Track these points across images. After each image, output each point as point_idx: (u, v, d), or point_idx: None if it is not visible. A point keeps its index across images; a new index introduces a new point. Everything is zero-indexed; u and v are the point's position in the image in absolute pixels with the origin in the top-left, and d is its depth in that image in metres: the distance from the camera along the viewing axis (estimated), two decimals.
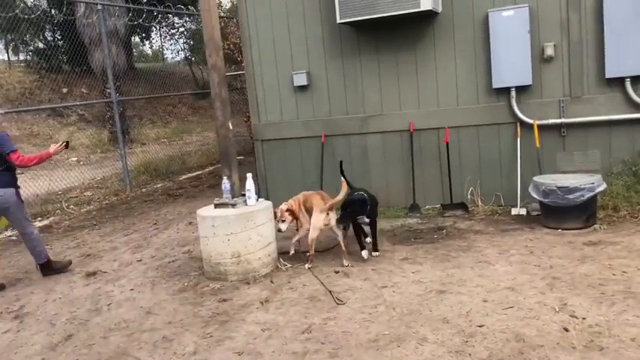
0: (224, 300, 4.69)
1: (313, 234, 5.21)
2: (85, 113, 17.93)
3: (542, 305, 3.94)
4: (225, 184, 5.24)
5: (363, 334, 3.82)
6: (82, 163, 13.64)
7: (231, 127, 5.34)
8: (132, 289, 5.19)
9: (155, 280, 5.37)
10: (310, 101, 7.36)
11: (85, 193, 10.07)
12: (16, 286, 5.57)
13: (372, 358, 3.47)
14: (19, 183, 5.68)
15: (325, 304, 4.38)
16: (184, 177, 11.36)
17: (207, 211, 5.24)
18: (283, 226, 5.29)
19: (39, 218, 8.48)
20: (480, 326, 3.73)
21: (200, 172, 11.74)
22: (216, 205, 5.28)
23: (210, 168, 12.20)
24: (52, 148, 5.58)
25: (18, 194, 5.55)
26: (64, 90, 18.04)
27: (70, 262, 5.94)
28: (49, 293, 5.28)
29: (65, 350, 4.04)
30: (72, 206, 9.09)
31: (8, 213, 5.51)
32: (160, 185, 10.64)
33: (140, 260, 6.04)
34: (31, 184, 9.49)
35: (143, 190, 10.29)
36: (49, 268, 5.77)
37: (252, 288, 4.91)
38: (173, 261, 5.92)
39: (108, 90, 15.48)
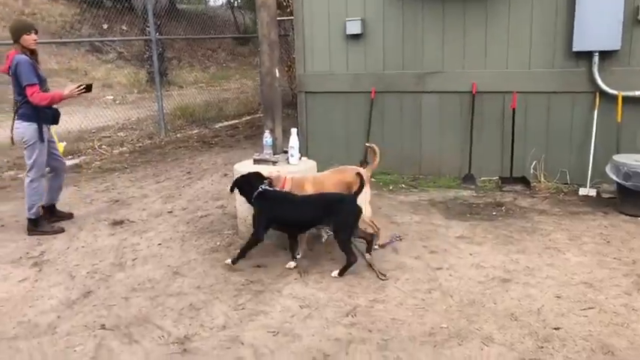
0: (258, 266, 4.24)
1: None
2: (124, 51, 17.52)
3: (631, 310, 3.36)
4: (267, 138, 4.72)
5: (416, 324, 3.32)
6: (117, 102, 13.29)
7: (277, 75, 4.76)
8: (160, 244, 4.78)
9: (185, 236, 4.95)
10: (362, 52, 6.71)
11: (118, 134, 9.71)
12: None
13: (428, 356, 2.98)
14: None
15: (371, 283, 3.89)
16: (221, 125, 10.89)
17: (245, 167, 4.75)
18: None
19: (69, 156, 8.14)
20: (555, 329, 3.19)
21: (237, 122, 11.26)
22: (256, 161, 4.78)
23: (248, 117, 11.70)
24: (67, 89, 4.91)
25: (40, 131, 4.90)
26: (105, 26, 17.60)
27: (62, 230, 5.13)
28: (72, 240, 4.92)
29: (83, 309, 3.66)
30: (104, 146, 8.75)
31: (25, 147, 5.02)
32: (195, 132, 10.20)
33: (171, 212, 5.63)
34: (64, 120, 9.13)
35: (178, 135, 9.87)
36: (35, 226, 5.08)
37: (289, 254, 4.44)
38: (205, 216, 5.49)
39: (148, 29, 15.04)
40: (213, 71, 18.61)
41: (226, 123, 11.07)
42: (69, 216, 5.46)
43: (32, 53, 4.89)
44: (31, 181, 5.03)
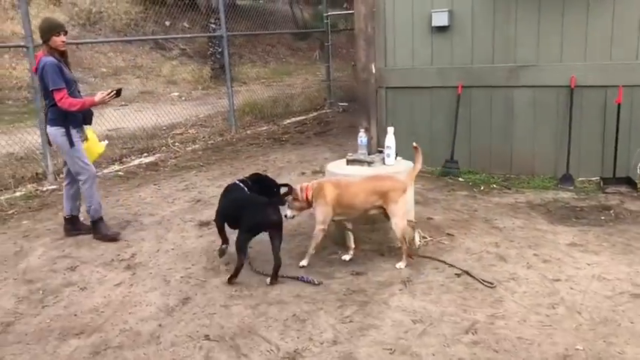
0: (357, 273, 4.02)
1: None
2: (187, 48, 17.67)
3: None
4: (362, 137, 4.48)
5: (546, 344, 3.01)
6: (183, 98, 13.38)
7: (374, 71, 4.51)
8: (250, 247, 4.62)
9: None
10: (449, 45, 6.37)
11: (189, 131, 9.70)
12: (126, 229, 5.17)
13: None
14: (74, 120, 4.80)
15: (486, 295, 3.60)
16: (288, 121, 10.74)
17: (338, 168, 4.53)
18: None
19: (144, 154, 8.17)
20: None
21: (304, 117, 11.08)
22: (350, 162, 4.55)
23: (314, 113, 11.50)
24: (99, 96, 4.69)
25: (68, 134, 4.68)
26: (167, 23, 17.81)
27: (117, 234, 4.95)
28: (161, 242, 4.84)
29: (184, 317, 3.53)
30: (177, 144, 8.73)
31: (61, 153, 4.91)
32: (264, 128, 10.09)
33: None
34: (135, 118, 9.22)
35: (248, 132, 9.77)
36: (97, 228, 4.95)
37: (387, 261, 4.20)
38: (292, 216, 5.29)
39: (212, 25, 15.06)
40: (273, 67, 18.54)
41: (294, 119, 10.91)
42: (89, 231, 5.04)
43: (62, 55, 4.68)
44: (83, 183, 4.85)
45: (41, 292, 3.98)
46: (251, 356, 3.08)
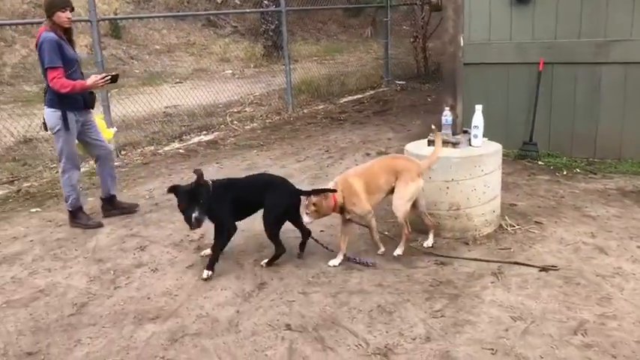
0: (442, 264, 3.74)
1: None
2: (238, 25, 17.50)
3: None
4: (447, 116, 4.15)
5: None
6: (236, 76, 13.23)
7: (462, 44, 4.16)
8: (322, 231, 4.41)
9: None
10: (530, 18, 5.92)
11: (245, 109, 9.53)
12: None
13: None
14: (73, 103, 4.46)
15: (592, 291, 3.27)
16: (345, 100, 10.44)
17: (419, 148, 4.23)
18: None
19: (204, 132, 8.05)
20: None
21: (361, 96, 10.75)
22: (431, 142, 4.23)
23: (371, 92, 11.15)
24: (91, 79, 4.38)
25: (64, 118, 4.37)
26: (219, 0, 17.67)
27: (99, 225, 4.68)
28: None
29: (261, 304, 3.34)
30: (235, 122, 8.57)
31: (55, 136, 4.55)
32: (321, 107, 9.82)
33: None
34: (191, 95, 9.11)
35: (304, 110, 9.53)
36: (73, 218, 4.71)
37: (473, 251, 3.90)
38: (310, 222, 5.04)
39: (265, 1, 14.81)
40: (324, 44, 18.20)
41: (350, 98, 10.60)
42: (133, 206, 5.00)
43: (66, 32, 4.40)
44: (62, 172, 4.60)
45: (112, 272, 3.87)
46: (338, 350, 2.86)
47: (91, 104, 4.61)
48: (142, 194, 5.44)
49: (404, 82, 11.66)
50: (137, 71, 13.35)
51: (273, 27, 15.23)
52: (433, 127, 3.92)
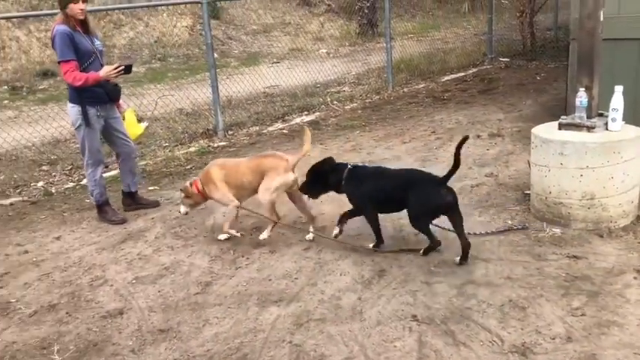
0: (575, 257, 3.48)
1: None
2: (332, 4, 17.37)
3: None
4: (581, 97, 3.83)
5: None
6: (331, 55, 13.15)
7: (602, 19, 3.81)
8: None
9: (464, 209, 4.30)
10: None
11: (344, 89, 9.44)
12: None
13: None
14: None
15: None
16: (446, 78, 10.07)
17: (549, 132, 3.93)
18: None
19: (305, 112, 8.04)
20: None
21: (463, 74, 10.32)
22: (562, 125, 3.93)
23: (474, 70, 10.68)
24: (104, 70, 4.21)
25: (84, 113, 4.26)
26: None
27: (123, 220, 4.57)
28: (341, 206, 4.56)
29: (383, 292, 3.26)
30: (335, 102, 8.50)
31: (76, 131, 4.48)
32: (422, 86, 9.53)
33: None
34: (289, 75, 9.13)
35: (404, 89, 9.29)
36: (99, 213, 4.66)
37: (608, 244, 3.61)
38: (477, 185, 4.83)
39: None
40: (419, 21, 17.70)
41: (452, 76, 10.21)
42: (154, 203, 4.87)
43: (82, 23, 4.24)
44: (86, 166, 4.52)
45: (232, 252, 3.93)
46: (471, 346, 2.73)
47: (114, 97, 4.46)
48: None
49: (508, 60, 11.09)
50: (236, 52, 13.60)
51: (368, 4, 14.99)
52: (305, 126, 4.11)
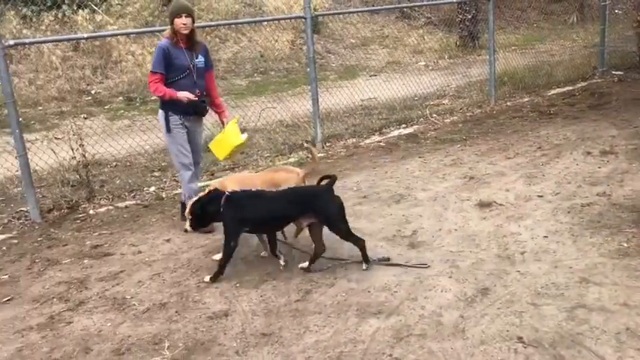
0: None
1: None
2: (432, 16, 17.20)
3: None
4: None
5: None
6: (430, 68, 12.99)
7: None
8: (545, 237, 4.06)
9: (573, 230, 4.13)
10: None
11: (443, 102, 9.29)
12: (401, 203, 4.97)
13: None
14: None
15: None
16: (553, 92, 9.61)
17: None
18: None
19: (403, 125, 7.99)
20: None
21: (571, 88, 9.82)
22: None
23: (582, 84, 10.12)
24: (183, 94, 4.38)
25: (166, 120, 4.50)
26: None
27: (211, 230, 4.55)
28: (441, 221, 4.53)
29: (487, 311, 3.16)
30: (434, 115, 8.38)
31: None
32: (526, 99, 9.17)
33: (541, 196, 4.86)
34: (386, 88, 9.12)
35: (507, 103, 8.98)
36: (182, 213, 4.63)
37: None
38: (587, 205, 4.57)
39: None
40: (523, 33, 17.11)
41: (558, 90, 9.74)
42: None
43: (187, 39, 4.42)
44: (177, 170, 4.72)
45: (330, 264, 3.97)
46: None
47: (198, 111, 4.58)
48: (350, 186, 5.54)
49: (622, 73, 10.42)
50: (334, 65, 13.81)
51: (470, 16, 14.71)
52: (306, 144, 4.10)
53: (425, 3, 15.90)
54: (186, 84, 4.46)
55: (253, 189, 3.97)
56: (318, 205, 3.73)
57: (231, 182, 4.19)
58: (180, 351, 3.04)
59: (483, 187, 5.20)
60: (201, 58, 4.56)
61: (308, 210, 3.73)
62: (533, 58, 11.71)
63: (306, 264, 3.84)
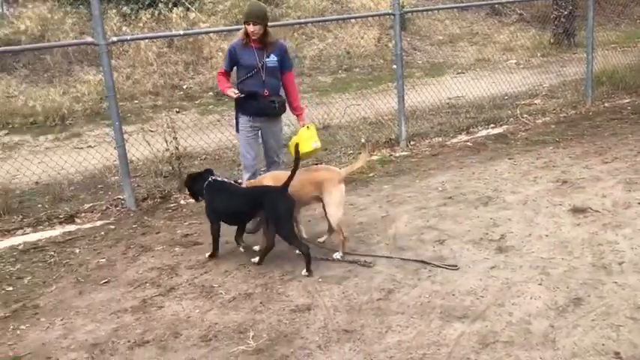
0: None
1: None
2: (524, 13, 16.54)
3: None
4: None
5: None
6: (521, 66, 12.49)
7: None
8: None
9: None
10: None
11: (535, 102, 8.90)
12: (488, 205, 4.82)
13: None
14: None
15: None
16: None
17: None
18: None
19: (491, 125, 7.73)
20: None
21: None
22: None
23: None
24: (232, 90, 4.49)
25: (236, 119, 4.66)
26: None
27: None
28: (531, 225, 4.35)
29: (579, 322, 3.01)
30: (525, 115, 8.05)
31: None
32: (626, 101, 8.62)
33: None
34: (474, 86, 8.86)
35: (605, 104, 8.47)
36: None
37: None
38: None
39: None
40: (624, 29, 16.08)
41: None
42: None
43: (259, 40, 4.45)
44: (242, 169, 4.79)
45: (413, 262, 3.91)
46: None
47: (268, 112, 4.56)
48: (434, 186, 5.43)
49: None
50: (419, 62, 13.60)
51: (566, 13, 14.02)
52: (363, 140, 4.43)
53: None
54: (253, 83, 4.51)
55: (293, 186, 3.99)
56: (268, 204, 3.90)
57: (270, 178, 4.27)
58: (264, 341, 3.11)
59: (577, 192, 4.94)
60: (273, 58, 4.53)
61: (260, 208, 3.96)
62: (635, 56, 10.99)
63: (256, 259, 4.05)
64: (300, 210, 4.34)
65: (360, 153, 4.25)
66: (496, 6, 16.07)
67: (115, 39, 5.36)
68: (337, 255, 4.05)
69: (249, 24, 4.41)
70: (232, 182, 4.27)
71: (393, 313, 3.28)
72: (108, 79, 5.09)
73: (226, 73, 4.62)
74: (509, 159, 6.12)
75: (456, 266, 3.77)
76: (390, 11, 6.85)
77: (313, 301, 3.49)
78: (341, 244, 4.08)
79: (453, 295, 3.43)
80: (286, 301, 3.53)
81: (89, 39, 5.57)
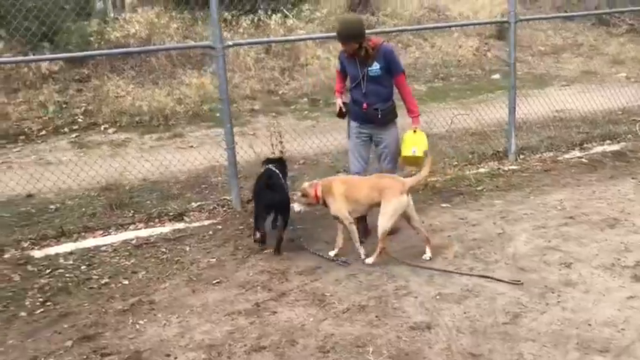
0: None
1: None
2: (635, 23, 15.52)
3: None
4: None
5: None
6: (632, 80, 11.69)
7: None
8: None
9: None
10: None
11: None
12: (615, 228, 4.44)
13: None
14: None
15: None
16: None
17: None
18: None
19: (607, 141, 7.22)
20: None
21: None
22: None
23: None
24: (338, 101, 4.63)
25: (348, 125, 4.68)
26: None
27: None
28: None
29: None
30: None
31: None
32: None
33: None
34: (581, 99, 8.33)
35: None
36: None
37: None
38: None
39: None
40: None
41: None
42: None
43: (357, 54, 4.37)
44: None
45: (538, 285, 3.64)
46: None
47: (371, 119, 4.48)
48: (552, 204, 5.09)
49: None
50: (519, 73, 13.04)
51: None
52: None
53: (628, 9, 14.41)
54: (356, 94, 4.54)
55: (356, 190, 4.18)
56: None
57: (339, 181, 4.31)
58: (384, 358, 2.97)
59: None
60: (375, 66, 4.38)
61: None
62: None
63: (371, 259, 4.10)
64: (368, 212, 4.35)
65: (424, 166, 4.26)
66: (603, 16, 15.20)
67: (230, 42, 5.44)
68: (369, 260, 4.11)
69: (343, 43, 4.42)
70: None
71: (524, 340, 3.04)
72: (222, 83, 5.15)
73: (340, 75, 4.72)
74: (633, 179, 5.67)
75: (520, 281, 3.61)
76: (505, 19, 6.55)
77: (432, 320, 3.31)
78: (377, 250, 4.08)
79: (589, 324, 3.14)
80: (403, 317, 3.37)
81: (206, 42, 5.69)
